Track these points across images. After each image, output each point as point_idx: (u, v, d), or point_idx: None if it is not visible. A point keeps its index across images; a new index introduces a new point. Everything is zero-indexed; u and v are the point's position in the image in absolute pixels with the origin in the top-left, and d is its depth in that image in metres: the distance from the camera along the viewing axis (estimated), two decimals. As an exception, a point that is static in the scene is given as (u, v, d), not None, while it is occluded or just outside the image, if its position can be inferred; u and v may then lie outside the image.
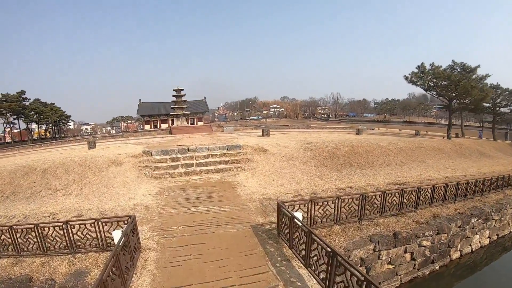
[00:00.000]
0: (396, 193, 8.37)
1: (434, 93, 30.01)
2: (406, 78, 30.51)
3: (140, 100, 64.16)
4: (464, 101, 29.41)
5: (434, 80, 28.52)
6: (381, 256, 7.28)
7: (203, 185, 10.79)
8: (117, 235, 5.80)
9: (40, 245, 6.23)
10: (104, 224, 6.04)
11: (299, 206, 6.75)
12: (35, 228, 6.10)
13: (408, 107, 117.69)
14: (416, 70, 29.80)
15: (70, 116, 79.61)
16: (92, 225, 6.04)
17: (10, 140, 60.99)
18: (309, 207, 6.83)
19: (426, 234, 8.08)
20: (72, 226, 6.08)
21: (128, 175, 11.86)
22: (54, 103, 69.66)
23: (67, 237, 6.08)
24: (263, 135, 21.97)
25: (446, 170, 15.75)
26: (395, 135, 28.11)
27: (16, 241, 6.25)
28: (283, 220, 6.26)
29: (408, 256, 7.90)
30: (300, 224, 5.46)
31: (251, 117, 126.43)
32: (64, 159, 13.23)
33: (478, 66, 27.98)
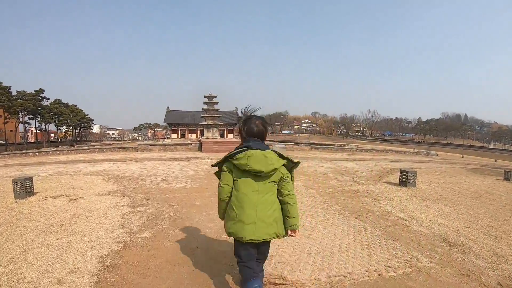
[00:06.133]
0: None
1: None
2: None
3: (168, 107, 56.52)
4: None
5: None
6: None
7: None
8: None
9: None
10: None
11: None
12: None
13: (450, 128, 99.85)
14: None
15: (92, 120, 73.63)
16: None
17: (23, 142, 55.23)
18: None
19: None
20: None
21: None
22: (76, 105, 63.64)
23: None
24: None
25: None
26: None
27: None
28: None
29: None
30: None
31: (283, 132, 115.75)
32: None
33: None
